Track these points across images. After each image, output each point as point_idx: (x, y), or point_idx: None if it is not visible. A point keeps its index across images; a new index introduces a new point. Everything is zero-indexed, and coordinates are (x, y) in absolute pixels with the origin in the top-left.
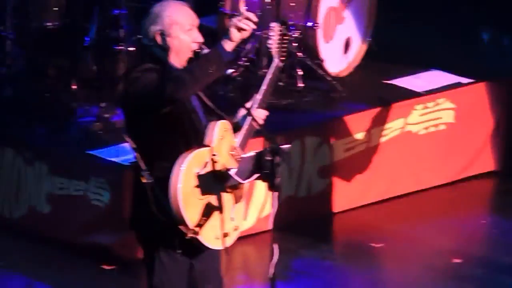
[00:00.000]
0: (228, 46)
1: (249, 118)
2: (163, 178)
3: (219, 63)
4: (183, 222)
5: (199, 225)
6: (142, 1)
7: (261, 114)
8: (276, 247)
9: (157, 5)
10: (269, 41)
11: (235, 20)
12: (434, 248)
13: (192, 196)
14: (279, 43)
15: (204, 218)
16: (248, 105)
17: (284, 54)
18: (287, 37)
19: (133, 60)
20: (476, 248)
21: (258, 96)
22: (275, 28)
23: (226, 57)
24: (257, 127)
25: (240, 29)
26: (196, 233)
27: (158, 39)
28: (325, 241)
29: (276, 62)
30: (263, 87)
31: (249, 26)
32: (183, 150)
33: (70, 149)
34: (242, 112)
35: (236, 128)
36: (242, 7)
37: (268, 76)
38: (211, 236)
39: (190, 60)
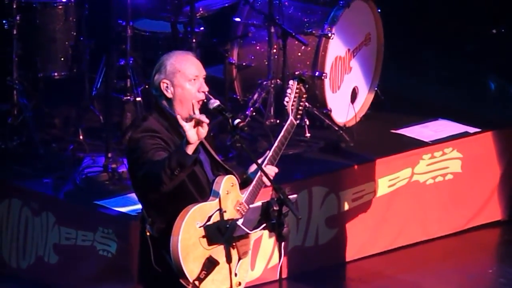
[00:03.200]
0: (190, 149)
1: (258, 174)
2: (165, 231)
3: (183, 167)
4: (183, 275)
5: (199, 279)
6: (149, 51)
7: (270, 171)
8: None
9: (165, 55)
10: (286, 99)
11: (186, 125)
12: None
13: (192, 249)
14: (295, 101)
15: (205, 272)
16: (259, 161)
17: (300, 113)
18: (304, 96)
19: (140, 111)
20: None
21: (269, 153)
22: (292, 86)
23: (189, 161)
24: (266, 183)
25: (196, 132)
26: (196, 286)
27: (163, 88)
28: None
29: (290, 120)
30: (275, 144)
31: (204, 128)
32: (187, 204)
33: (77, 200)
34: (252, 167)
35: (245, 183)
36: (194, 111)
37: (281, 134)
38: None
39: (200, 110)
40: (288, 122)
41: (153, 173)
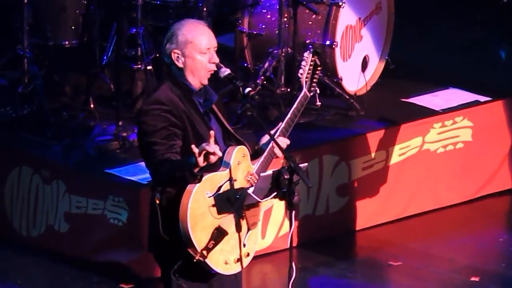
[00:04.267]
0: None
1: (270, 145)
2: (174, 200)
3: (185, 182)
4: (191, 244)
5: (207, 249)
6: (159, 20)
7: (282, 143)
8: (294, 265)
9: (176, 24)
10: (300, 71)
11: (203, 147)
12: (452, 266)
13: (201, 219)
14: (309, 74)
15: (213, 241)
16: (271, 132)
17: (315, 85)
18: (319, 69)
19: (150, 79)
20: (493, 266)
21: (282, 124)
22: (307, 58)
23: (192, 178)
24: (277, 155)
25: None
26: (204, 256)
27: (174, 58)
28: (343, 260)
29: (304, 92)
30: (288, 116)
31: (214, 158)
32: None
33: (88, 168)
34: (264, 138)
35: (256, 154)
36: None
37: (294, 106)
38: (220, 261)
39: (211, 79)
40: (302, 94)
41: (156, 172)
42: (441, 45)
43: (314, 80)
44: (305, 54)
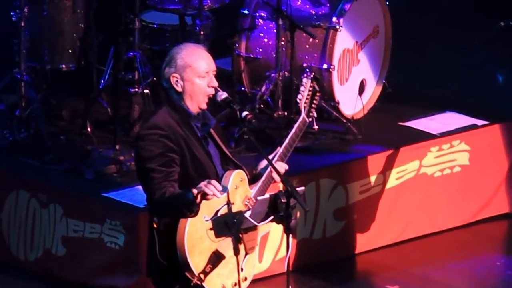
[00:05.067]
0: (193, 206)
1: (268, 170)
2: (172, 224)
3: (186, 213)
4: (188, 268)
5: (205, 273)
6: (157, 44)
7: (280, 168)
8: None
9: (175, 48)
10: (298, 96)
11: (201, 186)
12: None
13: (199, 242)
14: (308, 99)
15: (210, 265)
16: (269, 157)
17: (313, 111)
18: (318, 94)
19: (147, 103)
20: None
21: (280, 149)
22: (306, 84)
23: (190, 212)
24: (276, 179)
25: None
26: (201, 280)
27: (173, 82)
28: (339, 284)
29: (302, 117)
30: (286, 141)
31: (212, 197)
32: None
33: (85, 192)
34: (262, 163)
35: (254, 178)
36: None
37: (293, 131)
38: (217, 284)
39: (209, 103)
40: (300, 119)
41: (152, 202)
42: (438, 69)
43: (313, 105)
44: (304, 80)
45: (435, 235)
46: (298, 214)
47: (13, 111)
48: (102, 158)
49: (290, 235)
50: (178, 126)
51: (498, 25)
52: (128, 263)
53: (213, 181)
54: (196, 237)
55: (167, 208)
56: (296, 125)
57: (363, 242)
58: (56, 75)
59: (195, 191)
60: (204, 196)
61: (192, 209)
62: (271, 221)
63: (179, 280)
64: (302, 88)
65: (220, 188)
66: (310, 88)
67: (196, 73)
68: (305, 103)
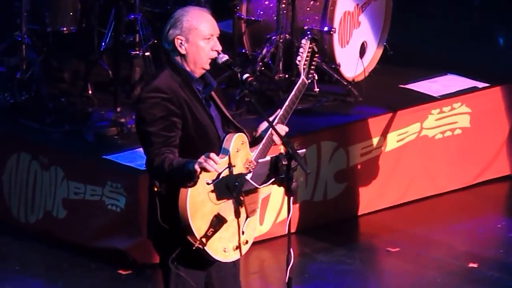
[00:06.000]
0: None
1: (268, 132)
2: (173, 187)
3: (185, 183)
4: (190, 232)
5: (207, 236)
6: (158, 6)
7: (281, 130)
8: (292, 251)
9: (179, 10)
10: (298, 58)
11: (201, 161)
12: (451, 252)
13: (200, 206)
14: (307, 61)
15: (212, 229)
16: (270, 118)
17: (312, 72)
18: (316, 56)
19: (148, 65)
20: (491, 252)
21: (280, 112)
22: (305, 45)
23: (191, 182)
24: (276, 142)
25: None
26: (203, 244)
27: (177, 44)
28: (341, 246)
29: (302, 79)
30: (286, 103)
31: (214, 169)
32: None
33: (86, 154)
34: (263, 126)
35: (255, 141)
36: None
37: (292, 93)
38: (219, 248)
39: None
40: (300, 81)
41: (151, 167)
42: (439, 32)
43: (312, 67)
44: (303, 41)
45: (437, 197)
46: (300, 177)
47: (14, 73)
48: (103, 120)
49: (291, 198)
50: (180, 88)
51: None
52: (129, 226)
53: (212, 155)
54: (198, 200)
55: (166, 176)
56: (295, 87)
57: (364, 204)
58: (57, 37)
59: (196, 166)
60: (204, 169)
61: (191, 180)
62: (272, 183)
63: (180, 244)
64: (301, 50)
65: (219, 161)
66: (309, 50)
67: (201, 36)
68: (304, 64)
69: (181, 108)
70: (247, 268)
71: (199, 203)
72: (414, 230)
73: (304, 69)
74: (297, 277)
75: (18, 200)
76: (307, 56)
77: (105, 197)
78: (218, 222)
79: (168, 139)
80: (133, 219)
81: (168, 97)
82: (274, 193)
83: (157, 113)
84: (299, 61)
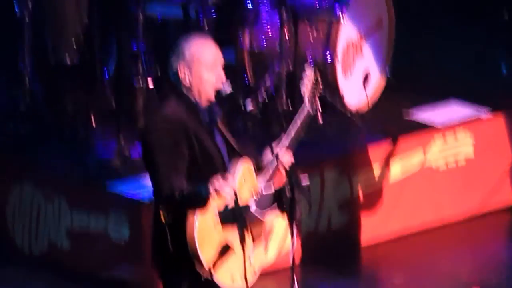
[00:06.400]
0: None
1: (274, 162)
2: (180, 217)
3: (197, 208)
4: (198, 262)
5: (215, 265)
6: (161, 37)
7: (287, 160)
8: (296, 282)
9: (183, 40)
10: (302, 87)
11: (214, 181)
12: (456, 282)
13: (208, 236)
14: (311, 91)
15: (220, 259)
16: (276, 149)
17: (316, 102)
18: (321, 86)
19: (152, 96)
20: (495, 281)
21: (285, 141)
22: (309, 76)
23: (203, 207)
24: (281, 172)
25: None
26: (211, 274)
27: (181, 75)
28: (346, 276)
29: (306, 108)
30: (291, 133)
31: (229, 197)
32: None
33: (90, 185)
34: (268, 154)
35: (259, 169)
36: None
37: (297, 122)
38: (227, 278)
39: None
40: (304, 111)
41: (161, 196)
42: (442, 58)
43: (316, 96)
44: (307, 72)
45: (441, 228)
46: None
47: (17, 104)
48: (106, 150)
49: (295, 228)
50: (187, 117)
51: (502, 18)
52: (133, 256)
53: (227, 181)
54: (206, 231)
55: (177, 204)
56: (300, 117)
57: (369, 234)
58: (60, 68)
59: (211, 189)
60: (217, 191)
61: (203, 205)
62: (276, 214)
63: (188, 274)
64: (305, 80)
65: (233, 185)
66: (314, 80)
67: (203, 66)
68: (308, 95)
69: (187, 137)
70: None
71: (206, 234)
72: (418, 260)
73: (308, 99)
74: None
75: (22, 231)
76: (311, 87)
77: (109, 227)
78: (226, 252)
79: (176, 168)
80: (137, 249)
81: (175, 127)
82: (278, 224)
83: (165, 142)
84: (303, 92)
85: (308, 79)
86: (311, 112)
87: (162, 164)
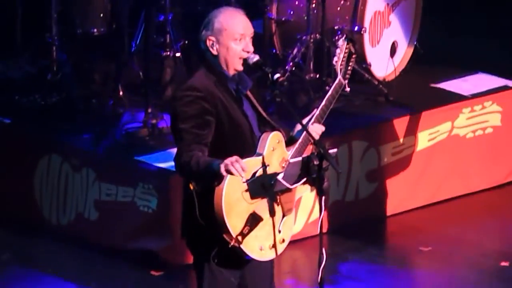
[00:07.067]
0: (218, 178)
1: (304, 132)
2: (209, 185)
3: (210, 182)
4: (226, 230)
5: (243, 234)
6: (188, 7)
7: (317, 129)
8: (324, 251)
9: (214, 11)
10: (334, 58)
11: (228, 163)
12: (482, 251)
13: (236, 204)
14: (344, 61)
15: (248, 227)
16: (304, 120)
17: (349, 73)
18: (354, 57)
19: (179, 66)
20: None
21: (316, 112)
22: (342, 46)
23: (216, 182)
24: (311, 142)
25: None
26: (239, 242)
27: (209, 44)
28: (373, 245)
29: (339, 79)
30: (323, 103)
31: (238, 174)
32: None
33: (118, 156)
34: (298, 125)
35: (291, 140)
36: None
37: (329, 93)
38: (255, 246)
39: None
40: (337, 81)
41: (177, 163)
42: (469, 31)
43: (349, 67)
44: (340, 42)
45: (468, 196)
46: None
47: (44, 75)
48: (134, 121)
49: (323, 197)
50: (215, 87)
51: None
52: (161, 227)
53: (239, 160)
54: (233, 199)
55: (192, 173)
56: (332, 87)
57: (396, 204)
58: (87, 39)
59: (222, 169)
60: (230, 172)
61: (216, 181)
62: (304, 183)
63: (217, 242)
64: (338, 51)
65: (246, 167)
66: (346, 51)
67: (231, 37)
68: (341, 65)
69: (215, 107)
70: (280, 268)
71: (234, 202)
72: (445, 229)
73: (340, 69)
74: (329, 277)
75: (50, 202)
76: (343, 57)
77: (137, 198)
78: (254, 220)
79: (199, 136)
80: (165, 220)
81: (202, 95)
82: (306, 193)
83: (190, 111)
84: (335, 61)
85: (341, 50)
86: (343, 82)
87: (184, 131)
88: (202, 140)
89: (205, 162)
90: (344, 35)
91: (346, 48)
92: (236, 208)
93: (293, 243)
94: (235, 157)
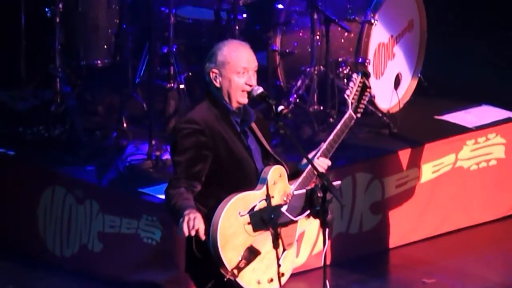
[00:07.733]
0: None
1: (309, 166)
2: (207, 218)
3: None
4: (221, 263)
5: (239, 268)
6: (192, 39)
7: (323, 164)
8: (327, 283)
9: (218, 43)
10: (347, 91)
11: (185, 218)
12: (486, 284)
13: (232, 238)
14: (356, 95)
15: (244, 261)
16: (311, 154)
17: (362, 107)
18: (368, 91)
19: (183, 98)
20: None
21: (324, 145)
22: (355, 80)
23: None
24: (316, 176)
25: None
26: (234, 275)
27: (212, 77)
28: (377, 278)
29: (349, 113)
30: (331, 137)
31: (188, 232)
32: (231, 193)
33: (121, 187)
34: (304, 159)
35: (296, 174)
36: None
37: (338, 127)
38: (252, 280)
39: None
40: (347, 115)
41: (165, 199)
42: (473, 63)
43: (362, 102)
44: (354, 75)
45: (471, 229)
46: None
47: (48, 107)
48: (138, 153)
49: (327, 230)
50: (215, 121)
51: None
52: (165, 259)
53: (192, 220)
54: (230, 232)
55: (168, 210)
56: (342, 121)
57: (400, 236)
58: (91, 70)
59: (181, 220)
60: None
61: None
62: (308, 216)
63: (213, 275)
64: (351, 84)
65: (203, 228)
66: (360, 84)
67: (234, 70)
68: (353, 99)
69: (213, 141)
70: None
71: (230, 235)
72: (449, 262)
73: (352, 103)
74: None
75: (54, 234)
76: (356, 91)
77: (141, 230)
78: (251, 254)
79: (190, 172)
80: (169, 252)
81: (200, 129)
82: (310, 225)
83: (187, 144)
84: (347, 95)
85: (354, 84)
86: (354, 117)
87: (178, 164)
88: (193, 176)
89: (179, 206)
90: (358, 69)
91: (360, 82)
92: (232, 241)
93: (296, 275)
94: (193, 215)
